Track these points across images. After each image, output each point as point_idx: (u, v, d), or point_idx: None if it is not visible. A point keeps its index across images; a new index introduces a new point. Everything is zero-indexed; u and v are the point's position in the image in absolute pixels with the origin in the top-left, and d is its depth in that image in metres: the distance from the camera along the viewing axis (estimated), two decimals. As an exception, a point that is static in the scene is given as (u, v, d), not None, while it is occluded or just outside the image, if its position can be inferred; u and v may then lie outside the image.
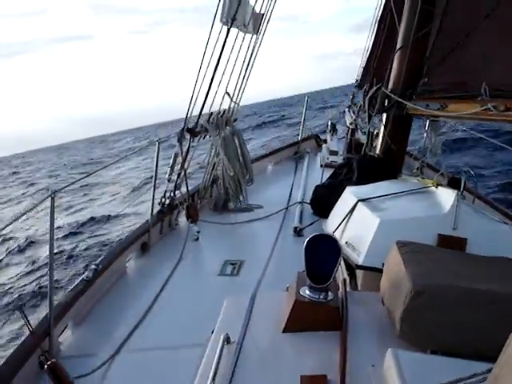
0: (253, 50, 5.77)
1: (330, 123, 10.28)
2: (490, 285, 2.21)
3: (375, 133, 5.92)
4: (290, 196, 6.24)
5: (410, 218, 3.14)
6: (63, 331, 3.42)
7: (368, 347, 2.19)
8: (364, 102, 5.55)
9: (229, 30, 5.15)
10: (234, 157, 5.82)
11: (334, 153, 8.42)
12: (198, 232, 5.08)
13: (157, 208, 5.28)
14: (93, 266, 3.89)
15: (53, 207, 3.06)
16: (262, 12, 5.70)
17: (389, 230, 2.99)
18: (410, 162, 5.69)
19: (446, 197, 3.21)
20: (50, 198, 3.02)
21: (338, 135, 10.12)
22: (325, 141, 9.64)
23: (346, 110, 10.62)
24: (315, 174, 7.12)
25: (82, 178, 5.48)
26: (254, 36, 5.77)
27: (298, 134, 9.22)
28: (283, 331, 2.28)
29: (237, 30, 5.37)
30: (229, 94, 5.78)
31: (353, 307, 2.38)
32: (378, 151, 5.21)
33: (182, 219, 5.61)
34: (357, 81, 10.51)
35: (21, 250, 12.95)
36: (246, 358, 2.10)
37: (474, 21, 4.32)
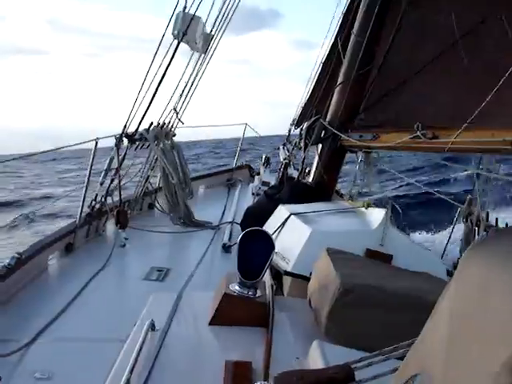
0: (199, 68, 5.88)
1: (264, 156, 10.47)
2: (415, 291, 2.33)
3: (307, 170, 6.09)
4: (221, 216, 6.27)
5: (340, 232, 3.27)
6: None
7: (293, 343, 2.23)
8: (301, 132, 5.73)
9: (178, 43, 5.23)
10: (175, 168, 5.81)
11: (266, 184, 8.55)
12: (126, 239, 5.00)
13: (86, 211, 5.16)
14: (15, 255, 3.74)
15: None
16: (212, 33, 5.82)
17: (319, 240, 3.08)
18: (337, 199, 5.88)
19: (375, 215, 3.37)
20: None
21: (271, 168, 10.31)
22: (258, 173, 9.79)
23: (281, 146, 10.87)
24: (247, 200, 7.21)
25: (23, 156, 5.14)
26: (202, 55, 5.88)
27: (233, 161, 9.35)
28: (210, 323, 2.29)
29: (186, 45, 5.47)
30: (175, 110, 5.83)
31: (279, 309, 2.42)
32: (310, 180, 5.37)
33: (110, 226, 5.50)
34: (294, 119, 10.81)
35: None
36: (170, 344, 2.09)
37: (413, 65, 4.62)
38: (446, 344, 0.97)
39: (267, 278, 2.75)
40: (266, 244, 2.39)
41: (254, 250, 2.36)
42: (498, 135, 3.01)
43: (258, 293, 2.38)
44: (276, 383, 1.53)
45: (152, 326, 2.15)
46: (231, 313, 2.30)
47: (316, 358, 1.84)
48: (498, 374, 0.73)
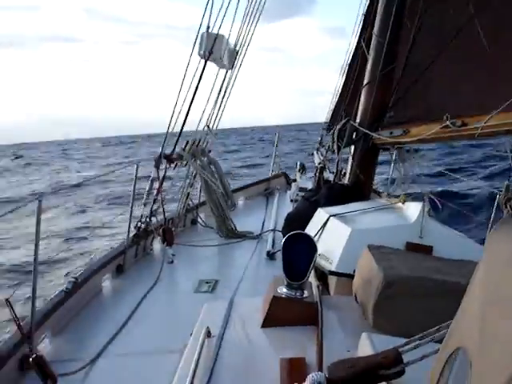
0: (228, 84, 6.05)
1: (299, 163, 10.56)
2: (455, 278, 2.40)
3: (343, 172, 6.17)
4: (262, 225, 6.40)
5: (380, 228, 3.34)
6: (42, 340, 3.45)
7: (343, 337, 2.33)
8: (333, 135, 5.83)
9: (206, 62, 5.42)
10: (215, 180, 6.01)
11: (303, 189, 8.65)
12: (173, 255, 5.18)
13: (133, 232, 5.37)
14: (72, 279, 3.95)
15: (39, 211, 3.14)
16: (237, 49, 6.00)
17: (359, 238, 3.17)
18: (375, 197, 5.92)
19: (413, 209, 3.43)
20: (37, 202, 3.10)
21: (307, 175, 10.41)
22: (294, 180, 9.90)
23: (315, 151, 10.97)
24: (286, 207, 7.32)
25: (74, 185, 5.47)
26: (230, 71, 6.06)
27: (269, 171, 9.49)
28: (262, 326, 2.41)
29: (213, 63, 5.65)
30: (209, 128, 6.02)
31: (327, 307, 2.53)
32: (346, 181, 5.45)
33: (156, 245, 5.70)
34: (326, 123, 10.91)
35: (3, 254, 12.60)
36: (227, 349, 2.22)
37: (436, 60, 4.67)
38: (480, 319, 1.06)
39: (313, 279, 2.86)
40: (308, 246, 2.51)
41: (298, 252, 2.48)
42: None
43: (305, 293, 2.50)
44: (330, 372, 1.63)
45: (208, 333, 2.28)
46: (281, 314, 2.42)
47: (366, 349, 1.93)
48: None
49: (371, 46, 5.24)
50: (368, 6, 6.17)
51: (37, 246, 3.19)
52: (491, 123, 3.26)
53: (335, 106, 9.47)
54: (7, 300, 2.65)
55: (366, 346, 1.95)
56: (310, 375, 1.64)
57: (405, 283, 2.32)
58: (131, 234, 5.29)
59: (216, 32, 5.65)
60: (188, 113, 5.45)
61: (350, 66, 7.44)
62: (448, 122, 3.55)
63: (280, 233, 5.83)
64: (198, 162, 5.92)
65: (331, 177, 7.54)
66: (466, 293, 1.23)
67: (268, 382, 1.91)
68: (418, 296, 2.30)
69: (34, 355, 2.55)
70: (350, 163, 5.40)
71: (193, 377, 1.86)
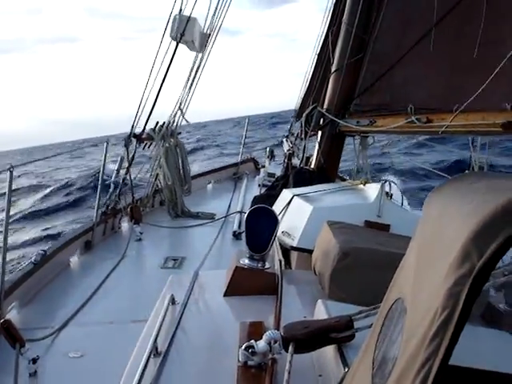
0: (198, 67, 6.12)
1: (268, 149, 10.67)
2: (404, 250, 2.55)
3: (310, 159, 6.30)
4: (229, 207, 6.51)
5: (340, 206, 3.50)
6: (10, 310, 3.50)
7: (300, 305, 2.47)
8: (301, 122, 5.95)
9: (177, 44, 5.48)
10: (174, 167, 6.08)
11: (271, 175, 8.76)
12: (141, 233, 5.26)
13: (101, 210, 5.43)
14: (40, 251, 4.00)
15: (11, 181, 3.17)
16: (208, 32, 6.06)
17: (320, 216, 3.31)
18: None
19: (372, 190, 3.60)
20: (8, 172, 3.13)
21: (276, 161, 10.52)
22: (263, 166, 10.01)
23: (284, 139, 11.09)
24: (254, 191, 7.44)
25: (42, 159, 5.45)
26: (200, 54, 6.12)
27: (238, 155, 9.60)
28: (224, 295, 2.53)
29: (185, 45, 5.71)
30: (181, 110, 6.08)
31: (287, 279, 2.66)
32: (313, 166, 5.59)
33: (124, 224, 5.77)
34: (295, 111, 11.00)
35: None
36: (190, 315, 2.33)
37: (402, 48, 4.81)
38: (414, 269, 1.19)
39: (275, 253, 2.99)
40: (270, 219, 2.64)
41: (261, 225, 2.61)
42: (489, 118, 3.15)
43: (267, 265, 2.63)
44: (285, 331, 1.76)
45: (172, 301, 2.39)
46: (243, 284, 2.54)
47: (321, 315, 2.06)
48: (444, 278, 0.92)
49: (340, 34, 5.36)
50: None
51: (7, 214, 3.23)
52: (454, 123, 3.40)
53: (304, 94, 9.57)
54: None
55: (321, 313, 2.07)
56: (267, 332, 1.77)
57: (360, 254, 2.46)
58: (100, 212, 5.33)
59: (188, 15, 5.70)
60: (158, 94, 5.51)
61: (320, 54, 7.54)
62: (413, 118, 3.68)
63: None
64: (167, 144, 5.98)
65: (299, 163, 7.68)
66: (407, 251, 1.36)
67: (227, 344, 2.01)
68: (373, 267, 2.43)
69: (1, 320, 2.60)
70: (316, 149, 5.54)
71: (155, 339, 1.95)
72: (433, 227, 1.18)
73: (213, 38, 6.04)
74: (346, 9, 5.24)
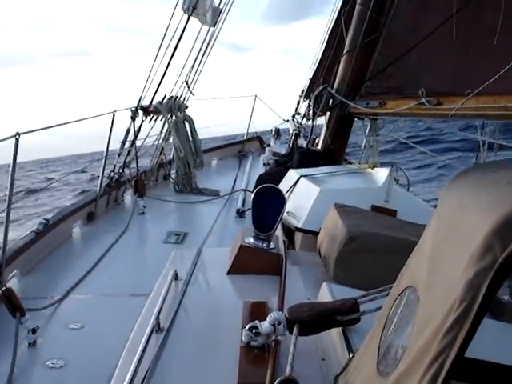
0: (209, 41, 6.04)
1: (274, 128, 10.59)
2: (414, 237, 2.53)
3: (317, 140, 6.25)
4: (233, 185, 6.49)
5: (347, 189, 3.47)
6: (11, 278, 3.50)
7: (304, 287, 2.45)
8: (309, 103, 5.90)
9: (189, 17, 5.40)
10: (185, 140, 6.04)
11: (276, 154, 8.72)
12: (144, 207, 5.24)
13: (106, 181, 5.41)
14: (43, 221, 3.99)
15: (16, 149, 3.14)
16: (221, 7, 5.97)
17: (327, 198, 3.28)
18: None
19: (380, 174, 3.57)
20: (13, 139, 3.10)
21: (282, 140, 10.46)
22: (268, 144, 9.95)
23: (290, 118, 10.99)
24: (258, 170, 7.40)
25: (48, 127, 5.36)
26: (212, 28, 6.04)
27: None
28: (228, 273, 2.52)
29: (196, 19, 5.63)
30: (187, 83, 6.02)
31: (291, 260, 2.64)
32: (319, 147, 5.56)
33: (128, 196, 5.75)
34: (302, 91, 10.88)
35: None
36: (193, 291, 2.31)
37: (417, 33, 4.73)
38: (429, 259, 1.17)
39: (280, 234, 2.97)
40: (277, 199, 2.61)
41: (267, 205, 2.58)
42: (500, 101, 3.12)
43: (272, 245, 2.61)
44: (289, 313, 1.74)
45: (175, 276, 2.37)
46: (247, 263, 2.53)
47: (325, 298, 2.04)
48: (463, 271, 0.91)
49: (353, 15, 5.28)
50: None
51: (12, 181, 3.21)
52: (465, 106, 3.35)
53: (313, 74, 9.46)
54: None
55: (326, 295, 2.06)
56: (271, 313, 1.75)
57: (366, 239, 2.45)
58: (104, 184, 5.32)
59: (201, -13, 5.61)
60: (168, 66, 5.45)
61: (331, 34, 7.43)
62: (424, 100, 3.63)
63: (250, 193, 5.92)
64: (174, 117, 5.93)
65: (305, 144, 7.63)
66: (421, 239, 1.33)
67: (230, 323, 1.99)
68: (379, 252, 2.42)
69: (3, 288, 2.59)
70: (324, 129, 5.49)
71: (157, 315, 1.93)
72: (450, 217, 1.16)
73: (225, 13, 5.96)
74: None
